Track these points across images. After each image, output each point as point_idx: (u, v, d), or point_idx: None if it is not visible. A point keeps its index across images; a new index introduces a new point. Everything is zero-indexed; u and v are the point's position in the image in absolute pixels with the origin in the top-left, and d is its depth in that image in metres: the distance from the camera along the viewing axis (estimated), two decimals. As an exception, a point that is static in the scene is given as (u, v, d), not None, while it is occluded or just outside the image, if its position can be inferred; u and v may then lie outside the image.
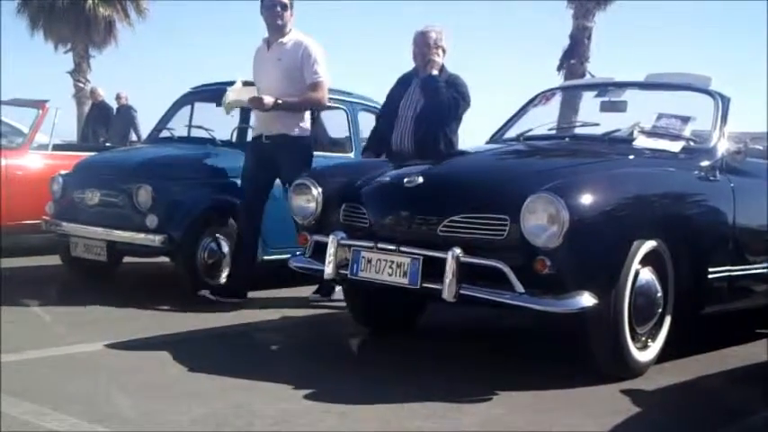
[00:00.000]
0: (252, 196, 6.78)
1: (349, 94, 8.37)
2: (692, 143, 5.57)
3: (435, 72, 6.43)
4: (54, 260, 7.72)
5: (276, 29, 6.69)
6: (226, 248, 6.94)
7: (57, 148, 9.40)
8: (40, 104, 9.30)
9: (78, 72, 25.40)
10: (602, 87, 6.62)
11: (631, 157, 5.43)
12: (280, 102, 6.50)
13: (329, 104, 8.15)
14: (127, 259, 7.57)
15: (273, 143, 6.66)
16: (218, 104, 6.86)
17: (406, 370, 4.94)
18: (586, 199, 4.42)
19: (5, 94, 10.63)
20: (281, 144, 6.63)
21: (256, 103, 6.55)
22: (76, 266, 7.45)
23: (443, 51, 6.51)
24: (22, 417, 3.85)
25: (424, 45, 6.47)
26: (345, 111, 8.20)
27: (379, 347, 5.67)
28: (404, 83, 6.68)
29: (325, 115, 8.43)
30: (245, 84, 6.84)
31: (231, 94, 6.75)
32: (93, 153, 8.67)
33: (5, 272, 7.90)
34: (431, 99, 6.41)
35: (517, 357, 5.36)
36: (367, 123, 8.34)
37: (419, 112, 6.44)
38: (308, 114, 6.80)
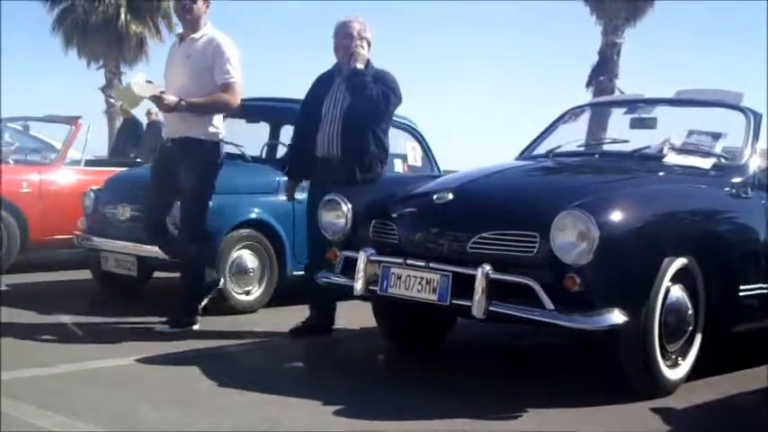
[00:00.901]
0: (155, 210, 6.29)
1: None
2: (723, 160, 5.54)
3: (361, 66, 5.96)
4: (85, 275, 7.77)
5: (186, 24, 6.18)
6: (256, 264, 6.96)
7: (89, 163, 9.49)
8: (72, 121, 9.40)
9: (110, 88, 25.64)
10: (631, 104, 6.61)
11: (661, 173, 5.41)
12: (183, 102, 5.90)
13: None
14: (156, 274, 7.61)
15: (177, 147, 6.08)
16: (116, 99, 6.51)
17: (435, 386, 4.93)
18: (616, 216, 4.41)
19: (39, 110, 10.75)
20: (183, 148, 6.04)
21: (158, 102, 5.98)
22: (107, 281, 7.51)
23: (368, 44, 6.03)
24: (54, 430, 3.88)
25: (346, 36, 6.00)
26: (375, 127, 8.20)
27: (407, 363, 5.67)
28: (324, 82, 6.15)
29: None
30: (150, 81, 6.19)
31: (132, 90, 6.17)
32: (124, 169, 8.74)
33: (38, 286, 7.98)
34: (358, 95, 5.91)
35: (547, 374, 5.34)
36: (396, 139, 8.35)
37: (347, 111, 5.93)
38: (219, 118, 6.15)
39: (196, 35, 6.10)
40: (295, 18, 55.35)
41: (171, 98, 5.90)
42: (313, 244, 6.01)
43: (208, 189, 6.15)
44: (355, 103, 5.90)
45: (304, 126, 6.21)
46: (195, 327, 6.08)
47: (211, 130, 6.09)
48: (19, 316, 6.45)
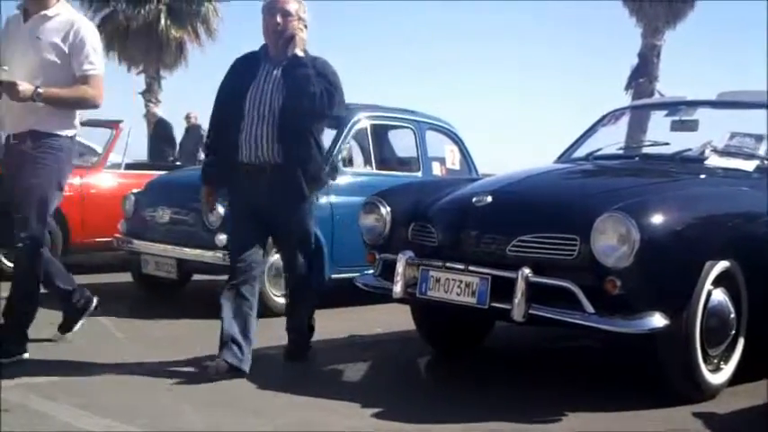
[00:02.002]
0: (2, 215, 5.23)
1: (416, 113, 8.40)
2: (766, 162, 5.47)
3: (301, 53, 4.95)
4: (125, 277, 7.84)
5: None
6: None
7: (129, 167, 9.58)
8: (113, 125, 9.49)
9: (149, 93, 25.86)
10: (672, 106, 6.55)
11: (703, 176, 5.36)
12: (41, 91, 4.94)
13: (397, 123, 8.21)
14: (196, 276, 7.66)
15: (22, 143, 5.09)
16: None
17: (474, 390, 4.92)
18: (657, 219, 4.37)
19: (85, 114, 10.83)
20: (29, 143, 5.07)
21: (9, 89, 4.90)
22: (147, 283, 7.57)
23: (305, 27, 5.04)
24: (93, 430, 3.91)
25: (282, 14, 4.98)
26: (413, 130, 8.22)
27: (446, 366, 5.66)
28: (247, 68, 5.09)
29: (392, 135, 8.50)
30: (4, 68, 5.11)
31: None
32: (163, 172, 8.81)
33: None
34: (299, 91, 4.88)
35: (587, 378, 5.30)
36: (434, 142, 8.37)
37: (283, 109, 4.89)
38: (76, 115, 5.28)
39: (49, 12, 5.12)
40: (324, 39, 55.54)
41: (27, 86, 4.91)
42: (233, 258, 5.19)
43: (53, 188, 5.18)
44: (295, 101, 4.88)
45: (221, 121, 5.15)
46: (25, 355, 5.20)
47: (64, 131, 5.17)
48: (58, 318, 6.49)
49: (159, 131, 16.37)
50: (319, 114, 4.97)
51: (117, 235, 7.61)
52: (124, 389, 4.69)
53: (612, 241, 4.29)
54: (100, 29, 25.31)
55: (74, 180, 8.77)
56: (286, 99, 4.90)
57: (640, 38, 21.74)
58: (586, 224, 4.35)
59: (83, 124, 10.25)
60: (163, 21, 25.19)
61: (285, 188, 4.98)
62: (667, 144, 6.06)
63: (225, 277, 7.35)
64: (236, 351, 4.92)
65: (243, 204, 5.12)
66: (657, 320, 4.29)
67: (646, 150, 6.25)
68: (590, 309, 4.32)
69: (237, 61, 5.18)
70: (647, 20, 21.40)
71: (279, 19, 4.94)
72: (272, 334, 6.16)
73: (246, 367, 4.92)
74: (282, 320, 6.26)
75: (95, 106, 5.24)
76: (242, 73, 5.08)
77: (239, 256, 5.08)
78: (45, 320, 6.37)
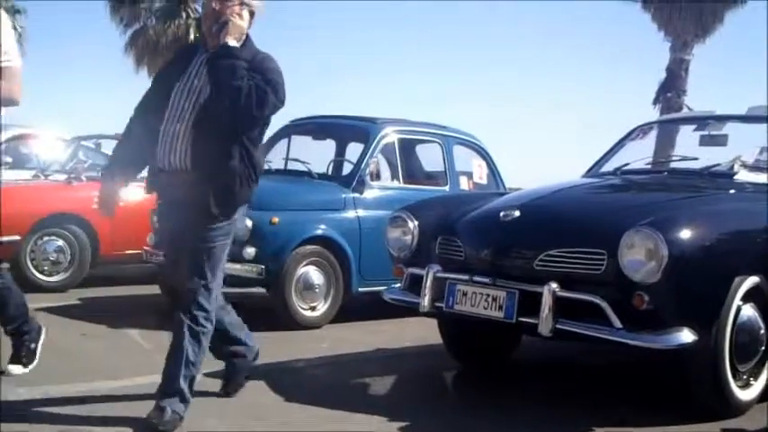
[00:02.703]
0: None
1: (443, 127, 8.41)
2: (797, 177, 5.43)
3: (234, 42, 4.10)
4: (153, 289, 7.87)
5: None
6: (322, 280, 6.99)
7: (158, 180, 9.61)
8: (143, 138, 9.54)
9: (178, 106, 26.05)
10: (701, 121, 6.52)
11: (732, 191, 5.33)
12: None
13: (424, 138, 8.22)
14: (222, 289, 7.67)
15: None
16: None
17: (501, 404, 4.91)
18: (686, 234, 4.35)
19: (111, 128, 10.94)
20: None
21: None
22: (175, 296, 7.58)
23: (251, 15, 4.23)
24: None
25: None
26: (440, 144, 8.23)
27: (472, 381, 5.65)
28: (182, 59, 4.37)
29: (419, 149, 8.52)
30: None
31: None
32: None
33: (107, 300, 8.12)
34: (221, 84, 4.02)
35: (614, 393, 5.28)
36: (461, 157, 8.37)
37: (201, 106, 4.11)
38: None
39: None
40: (360, 43, 55.73)
41: None
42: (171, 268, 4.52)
43: None
44: (215, 96, 4.06)
45: (143, 121, 4.33)
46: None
47: None
48: (88, 329, 6.56)
49: None
50: (243, 114, 4.01)
51: (146, 247, 7.65)
52: (151, 400, 4.71)
53: (640, 256, 4.28)
54: (131, 44, 25.81)
55: (103, 193, 8.85)
56: (207, 95, 4.11)
57: (669, 52, 21.65)
58: (614, 239, 4.34)
59: (111, 138, 10.43)
60: (192, 36, 25.41)
61: (190, 201, 4.13)
62: (696, 159, 6.03)
63: (253, 290, 7.47)
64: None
65: (169, 216, 4.40)
66: (686, 336, 4.27)
67: (674, 165, 6.22)
68: (618, 324, 4.30)
69: (178, 51, 4.73)
70: (676, 34, 21.29)
71: (215, 3, 4.16)
72: (300, 347, 6.19)
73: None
74: (310, 333, 6.31)
75: (12, 102, 4.56)
76: (176, 64, 4.38)
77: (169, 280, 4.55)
78: (76, 331, 6.44)
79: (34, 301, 7.49)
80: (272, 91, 4.08)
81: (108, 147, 10.65)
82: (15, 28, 32.88)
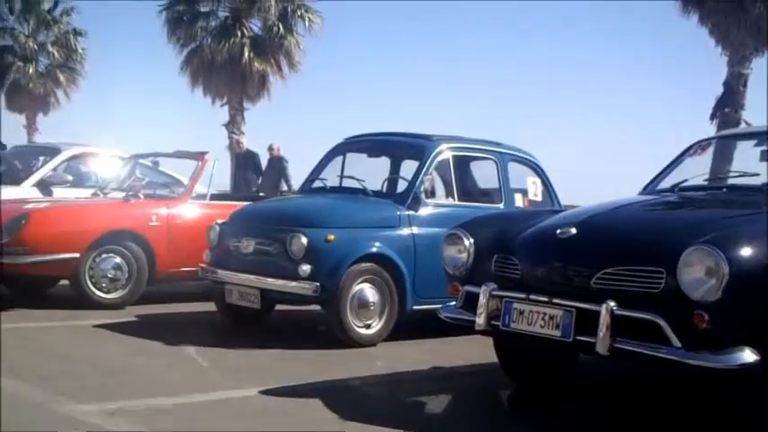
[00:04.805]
0: None
1: (498, 144, 8.39)
2: None
3: None
4: (209, 306, 7.94)
5: None
6: (377, 297, 6.99)
7: (214, 197, 9.72)
8: (199, 156, 9.66)
9: (233, 124, 26.33)
10: (761, 136, 6.42)
11: (794, 208, 5.22)
12: None
13: (479, 155, 8.21)
14: (278, 306, 7.72)
15: None
16: None
17: (557, 423, 4.86)
18: (746, 251, 4.27)
19: (170, 147, 11.09)
20: None
21: None
22: (230, 313, 7.65)
23: None
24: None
25: None
26: (495, 161, 8.20)
27: (528, 399, 5.61)
28: None
29: (474, 166, 8.50)
30: None
31: None
32: (248, 203, 8.93)
33: (164, 317, 8.20)
34: None
35: (664, 411, 5.21)
36: (516, 174, 8.34)
37: None
38: None
39: None
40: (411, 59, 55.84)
41: None
42: None
43: None
44: None
45: None
46: None
47: None
48: (145, 346, 6.63)
49: (248, 162, 16.67)
50: None
51: (202, 265, 7.71)
52: (208, 417, 4.75)
53: (700, 274, 4.21)
54: (186, 63, 26.18)
55: (160, 210, 8.96)
56: None
57: (726, 66, 21.38)
58: (673, 257, 4.28)
59: (168, 156, 10.56)
60: (246, 54, 25.64)
61: None
62: (757, 174, 5.93)
63: (308, 307, 7.50)
64: None
65: None
66: (747, 356, 4.19)
67: (733, 181, 6.13)
68: (677, 343, 4.24)
69: None
70: (734, 48, 21.03)
71: None
72: (355, 364, 6.19)
73: None
74: (364, 351, 6.31)
75: None
76: None
77: None
78: (133, 347, 6.51)
79: (92, 318, 7.64)
80: None
81: (165, 164, 10.80)
82: (77, 49, 33.57)
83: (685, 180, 6.08)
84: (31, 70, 32.97)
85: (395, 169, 8.26)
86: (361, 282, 6.97)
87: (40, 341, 6.83)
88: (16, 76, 32.96)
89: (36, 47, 33.35)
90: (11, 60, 33.01)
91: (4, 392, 4.99)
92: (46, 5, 34.00)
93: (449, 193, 7.93)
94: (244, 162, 16.77)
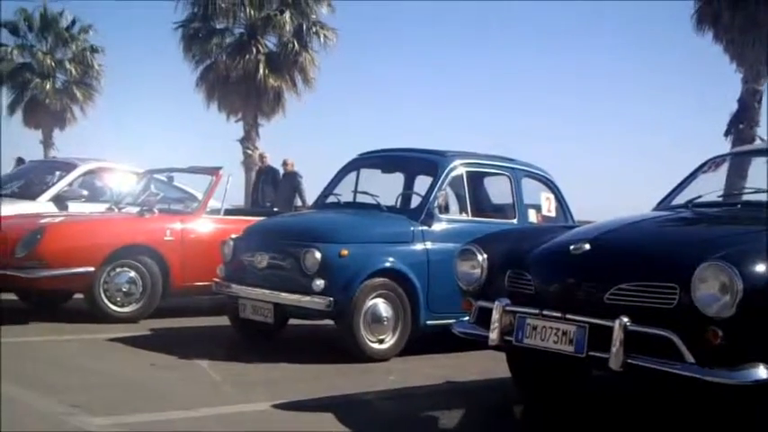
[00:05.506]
0: None
1: (512, 160, 8.39)
2: None
3: None
4: (223, 321, 7.96)
5: None
6: (390, 312, 6.99)
7: (228, 212, 9.75)
8: (214, 171, 9.69)
9: (247, 140, 26.47)
10: (777, 152, 6.41)
11: (808, 224, 5.21)
12: None
13: (492, 171, 8.22)
14: (292, 321, 7.73)
15: None
16: None
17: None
18: (761, 267, 4.26)
19: (185, 162, 11.12)
20: None
21: None
22: (244, 327, 7.66)
23: None
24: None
25: None
26: (509, 177, 8.21)
27: (541, 415, 5.60)
28: None
29: (488, 182, 8.51)
30: None
31: None
32: (261, 218, 8.96)
33: (178, 331, 8.23)
34: None
35: (681, 427, 5.19)
36: (530, 189, 8.34)
37: None
38: None
39: None
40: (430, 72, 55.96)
41: None
42: None
43: None
44: None
45: None
46: None
47: None
48: (159, 359, 6.64)
49: (267, 177, 16.78)
50: None
51: (216, 279, 7.73)
52: (223, 430, 4.76)
53: (714, 290, 4.20)
54: (202, 79, 26.35)
55: (174, 225, 8.99)
56: None
57: (740, 83, 21.36)
58: (687, 273, 4.27)
59: (183, 171, 10.60)
60: (261, 70, 25.80)
61: None
62: (771, 191, 5.92)
63: (322, 322, 7.51)
64: None
65: None
66: (762, 372, 4.17)
67: (747, 197, 6.12)
68: (690, 359, 4.23)
69: None
70: (749, 65, 21.02)
71: None
72: (368, 379, 6.19)
73: None
74: (377, 365, 6.30)
75: None
76: None
77: None
78: (146, 361, 6.53)
79: (106, 332, 7.67)
80: None
81: (179, 180, 10.84)
82: (93, 66, 33.82)
83: (699, 196, 6.06)
84: (48, 86, 33.30)
85: (408, 185, 8.27)
86: (375, 297, 6.97)
87: (54, 354, 6.86)
88: (34, 93, 33.26)
89: (54, 63, 33.68)
90: (29, 77, 33.31)
91: (18, 404, 5.02)
92: (64, 23, 34.34)
93: (462, 209, 7.93)
94: (265, 177, 16.88)
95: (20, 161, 19.48)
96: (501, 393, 6.07)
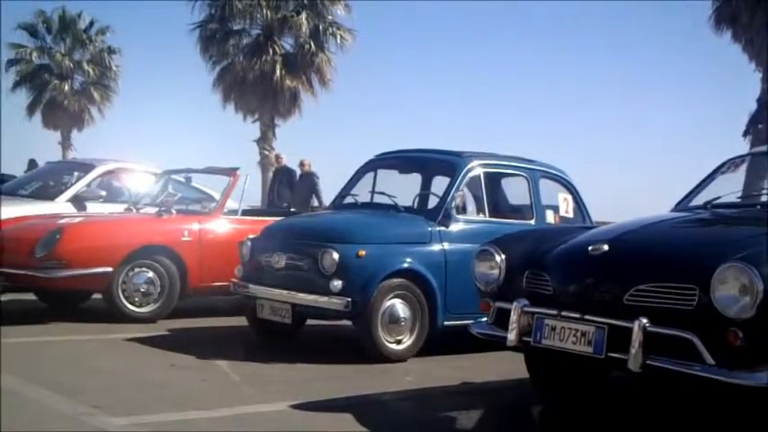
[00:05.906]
0: None
1: (530, 160, 8.38)
2: None
3: None
4: (241, 321, 7.97)
5: None
6: (408, 313, 6.99)
7: (245, 213, 9.77)
8: (231, 172, 9.71)
9: (264, 141, 26.54)
10: (795, 153, 6.37)
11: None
12: None
13: (510, 171, 8.21)
14: (309, 321, 7.74)
15: None
16: None
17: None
18: (781, 268, 4.24)
19: (202, 162, 11.14)
20: None
21: None
22: (261, 327, 7.67)
23: None
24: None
25: None
26: (526, 178, 8.19)
27: (560, 416, 5.58)
28: None
29: (505, 182, 8.49)
30: None
31: None
32: (279, 218, 8.96)
33: (195, 331, 8.25)
34: None
35: (699, 426, 5.17)
36: (548, 190, 8.32)
37: None
38: None
39: None
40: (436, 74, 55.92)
41: None
42: None
43: None
44: None
45: None
46: None
47: None
48: (177, 360, 6.66)
49: (284, 178, 16.81)
50: None
51: (233, 279, 7.74)
52: (241, 430, 4.77)
53: (734, 291, 4.18)
54: (219, 80, 26.45)
55: (192, 226, 9.01)
56: None
57: (759, 83, 21.26)
58: (706, 274, 4.25)
59: (200, 172, 10.63)
60: (278, 71, 25.86)
61: None
62: (791, 191, 5.89)
63: (339, 323, 7.51)
64: None
65: None
66: (782, 373, 4.16)
67: (766, 198, 6.09)
68: (710, 360, 4.21)
69: None
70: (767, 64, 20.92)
71: None
72: (385, 380, 6.19)
73: None
74: (395, 366, 6.30)
75: None
76: None
77: None
78: (165, 361, 6.55)
79: (124, 332, 7.70)
80: None
81: (197, 181, 10.87)
82: (111, 67, 34.02)
83: (718, 197, 6.03)
84: (66, 88, 33.54)
85: (426, 185, 8.27)
86: (392, 297, 6.97)
87: (73, 354, 6.89)
88: (53, 94, 33.48)
89: (72, 65, 33.92)
90: (48, 78, 33.53)
91: (38, 405, 5.05)
92: (82, 25, 34.54)
93: (480, 210, 7.92)
94: (282, 177, 16.91)
95: (32, 163, 19.59)
96: (519, 394, 6.06)
